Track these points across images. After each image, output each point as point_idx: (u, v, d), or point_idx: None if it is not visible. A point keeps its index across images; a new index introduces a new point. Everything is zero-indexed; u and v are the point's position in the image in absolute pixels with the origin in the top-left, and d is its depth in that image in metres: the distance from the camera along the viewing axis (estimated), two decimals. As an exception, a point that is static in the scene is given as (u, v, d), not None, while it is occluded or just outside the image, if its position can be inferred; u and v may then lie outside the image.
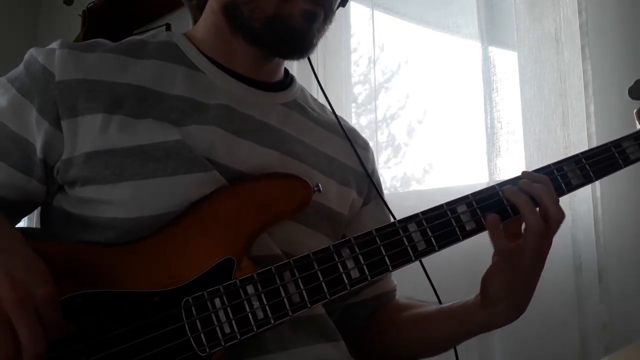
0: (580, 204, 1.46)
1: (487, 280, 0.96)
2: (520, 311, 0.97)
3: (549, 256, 1.41)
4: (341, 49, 2.13)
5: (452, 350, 1.10)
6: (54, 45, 0.98)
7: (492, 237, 0.92)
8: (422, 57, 2.04)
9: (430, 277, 1.15)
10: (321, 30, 1.03)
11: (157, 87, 0.98)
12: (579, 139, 1.49)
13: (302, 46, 1.02)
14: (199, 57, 1.05)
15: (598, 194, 1.44)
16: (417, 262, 1.13)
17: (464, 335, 1.04)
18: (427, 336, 1.09)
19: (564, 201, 1.44)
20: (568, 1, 1.53)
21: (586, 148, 1.42)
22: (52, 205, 0.99)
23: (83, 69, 0.95)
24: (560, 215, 0.91)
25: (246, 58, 1.06)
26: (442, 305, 1.09)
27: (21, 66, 0.98)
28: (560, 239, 1.45)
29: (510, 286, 0.94)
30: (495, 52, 1.67)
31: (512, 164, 1.61)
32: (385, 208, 1.20)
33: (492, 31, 1.69)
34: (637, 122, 1.08)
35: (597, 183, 1.44)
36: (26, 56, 0.98)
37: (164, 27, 2.83)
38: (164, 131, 0.94)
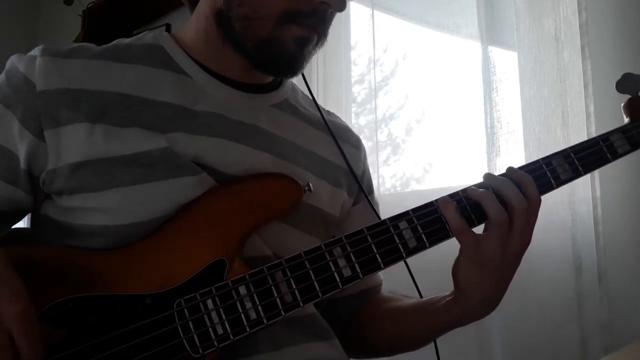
0: (580, 205, 1.46)
1: (455, 271, 0.96)
2: (492, 307, 0.97)
3: (549, 257, 1.41)
4: (341, 49, 2.13)
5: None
6: (35, 52, 0.96)
7: (445, 214, 0.92)
8: (422, 57, 2.04)
9: (422, 275, 1.15)
10: (312, 53, 1.02)
11: (143, 93, 0.96)
12: (578, 139, 1.46)
13: (291, 70, 1.02)
14: (186, 61, 1.03)
15: (598, 194, 1.44)
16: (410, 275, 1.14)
17: (439, 329, 1.04)
18: (404, 329, 1.09)
19: (564, 202, 1.45)
20: (568, 1, 1.53)
21: (586, 147, 1.42)
22: (39, 213, 0.98)
23: (65, 78, 0.94)
24: (521, 204, 0.91)
25: (236, 64, 1.04)
26: (420, 299, 1.09)
27: (2, 75, 0.96)
28: (560, 240, 1.46)
29: (480, 279, 0.93)
30: (495, 52, 1.67)
31: (512, 164, 1.60)
32: (376, 207, 1.21)
33: (492, 31, 1.68)
34: (624, 116, 1.08)
35: (597, 183, 1.44)
36: (7, 65, 0.96)
37: (164, 27, 2.83)
38: (150, 139, 0.92)
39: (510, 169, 0.97)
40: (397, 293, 1.20)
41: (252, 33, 0.97)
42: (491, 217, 0.91)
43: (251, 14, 0.96)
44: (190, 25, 1.07)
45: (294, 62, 1.00)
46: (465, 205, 0.94)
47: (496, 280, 0.94)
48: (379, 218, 1.14)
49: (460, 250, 0.94)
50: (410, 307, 1.08)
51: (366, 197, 1.18)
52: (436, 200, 0.95)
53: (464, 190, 0.96)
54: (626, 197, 1.42)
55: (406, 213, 0.93)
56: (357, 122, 2.15)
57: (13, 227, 1.02)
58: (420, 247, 0.92)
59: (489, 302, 0.97)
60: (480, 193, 0.93)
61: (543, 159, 1.00)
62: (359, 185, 1.17)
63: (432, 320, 1.03)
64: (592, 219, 1.44)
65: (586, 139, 1.44)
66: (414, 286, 1.14)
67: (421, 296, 1.13)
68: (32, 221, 1.01)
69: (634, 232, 1.40)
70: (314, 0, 0.96)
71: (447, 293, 1.00)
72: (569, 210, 1.48)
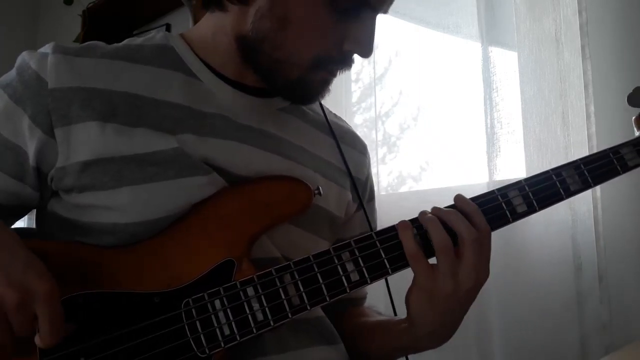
0: (580, 205, 1.46)
1: (407, 299, 0.94)
2: (441, 340, 0.96)
3: (549, 257, 1.41)
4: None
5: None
6: (47, 49, 0.96)
7: (401, 239, 0.90)
8: (422, 57, 2.04)
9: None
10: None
11: (153, 93, 0.97)
12: (579, 139, 1.49)
13: (309, 102, 1.08)
14: (196, 63, 1.03)
15: (598, 194, 1.44)
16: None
17: (396, 352, 1.04)
18: (365, 346, 1.08)
19: (564, 202, 1.45)
20: (568, 1, 1.53)
21: (586, 148, 1.42)
22: (46, 210, 0.98)
23: (77, 76, 0.94)
24: (470, 235, 0.88)
25: (247, 70, 1.03)
26: (383, 319, 1.09)
27: (13, 71, 0.96)
28: (560, 240, 1.46)
29: (429, 311, 0.91)
30: (495, 52, 1.67)
31: (512, 164, 1.61)
32: (376, 213, 1.23)
33: (492, 31, 1.69)
34: (635, 129, 1.08)
35: (597, 183, 1.44)
36: (18, 61, 0.96)
37: (164, 27, 2.83)
38: (160, 140, 0.93)
39: (457, 199, 0.95)
40: (373, 308, 1.20)
41: (282, 74, 0.99)
42: (435, 243, 0.89)
43: (284, 58, 0.97)
44: (205, 32, 1.06)
45: (316, 98, 1.04)
46: (425, 232, 0.92)
47: (445, 314, 0.92)
48: (370, 228, 1.15)
49: (413, 278, 0.92)
50: (373, 326, 1.09)
51: (362, 205, 1.17)
52: (397, 225, 0.92)
53: (423, 215, 0.93)
54: (626, 197, 1.42)
55: (414, 220, 0.93)
56: (358, 121, 2.15)
57: (17, 226, 1.03)
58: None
59: (438, 335, 0.95)
60: (427, 218, 0.91)
61: (553, 169, 0.99)
62: (356, 191, 1.16)
63: (390, 342, 1.03)
64: (592, 219, 1.45)
65: (586, 139, 1.45)
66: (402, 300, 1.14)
67: (395, 314, 1.13)
68: (38, 219, 1.01)
69: (634, 232, 1.40)
70: (344, 47, 0.97)
71: (402, 317, 0.99)
72: (569, 210, 1.48)
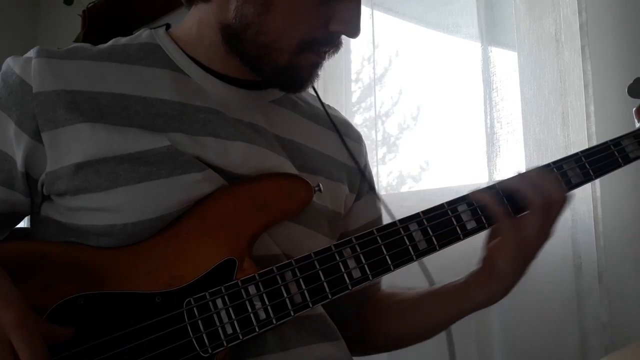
0: (580, 205, 1.46)
1: (494, 257, 0.97)
2: (513, 286, 0.99)
3: (549, 257, 1.41)
4: (340, 49, 2.12)
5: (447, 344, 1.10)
6: (31, 53, 0.95)
7: (484, 202, 0.95)
8: (422, 57, 2.04)
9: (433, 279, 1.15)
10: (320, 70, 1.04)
11: (141, 92, 0.96)
12: (579, 139, 1.49)
13: (302, 88, 1.05)
14: (184, 59, 1.03)
15: (598, 194, 1.44)
16: (418, 262, 1.14)
17: (457, 315, 1.05)
18: (421, 320, 1.09)
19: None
20: (568, 1, 1.53)
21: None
22: (39, 215, 0.98)
23: (61, 79, 0.93)
24: (560, 192, 0.95)
25: (236, 63, 1.02)
26: (433, 288, 1.09)
27: None
28: (560, 240, 1.46)
29: (517, 260, 0.95)
30: (495, 52, 1.67)
31: (512, 164, 1.61)
32: (377, 202, 1.22)
33: (492, 31, 1.69)
34: (636, 121, 1.08)
35: (597, 183, 1.44)
36: (3, 67, 0.96)
37: (164, 27, 2.82)
38: (152, 139, 0.92)
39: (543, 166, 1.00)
40: (396, 286, 1.20)
41: (270, 60, 0.98)
42: (533, 201, 0.93)
43: (270, 43, 0.96)
44: (190, 26, 1.06)
45: (306, 83, 1.03)
46: (502, 197, 0.96)
47: (528, 262, 0.96)
48: (387, 210, 1.15)
49: (505, 235, 0.95)
50: (426, 297, 1.09)
51: (372, 187, 1.18)
52: (468, 194, 0.96)
53: (500, 183, 0.98)
54: (626, 197, 1.42)
55: (417, 215, 0.93)
56: (358, 120, 2.15)
57: (17, 226, 1.03)
58: (431, 250, 0.93)
59: (516, 282, 0.98)
60: (517, 181, 0.96)
61: (554, 162, 1.00)
62: (365, 178, 1.16)
63: (451, 306, 1.04)
64: (592, 219, 1.45)
65: (586, 139, 1.45)
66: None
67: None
68: (33, 223, 1.01)
69: (634, 232, 1.40)
70: (330, 28, 0.97)
71: (462, 279, 1.02)
72: (569, 210, 1.48)
